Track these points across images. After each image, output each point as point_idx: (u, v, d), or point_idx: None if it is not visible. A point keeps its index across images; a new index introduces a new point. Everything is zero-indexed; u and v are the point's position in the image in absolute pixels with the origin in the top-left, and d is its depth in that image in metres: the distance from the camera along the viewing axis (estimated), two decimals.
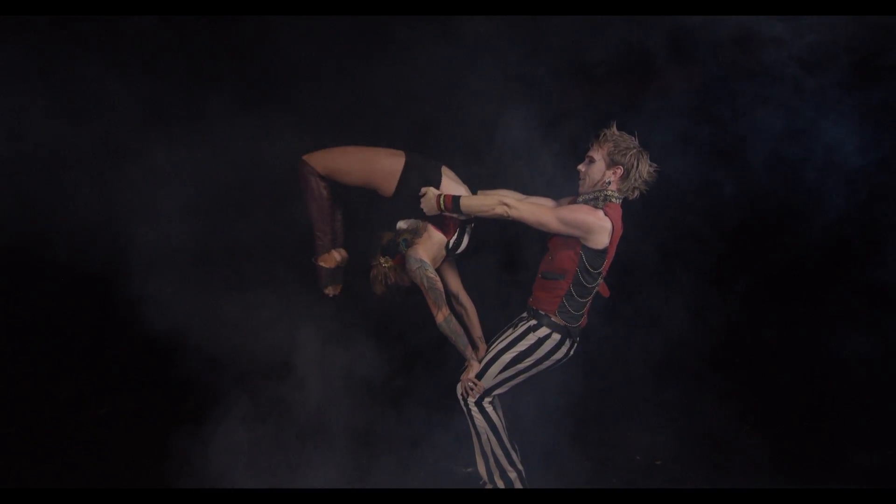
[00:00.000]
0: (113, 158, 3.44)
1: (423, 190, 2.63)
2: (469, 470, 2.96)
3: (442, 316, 2.62)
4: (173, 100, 3.37)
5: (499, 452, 2.73)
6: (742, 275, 4.11)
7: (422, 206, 2.63)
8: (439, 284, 2.61)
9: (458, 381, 2.80)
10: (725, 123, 3.58)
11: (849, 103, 3.29)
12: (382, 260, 2.73)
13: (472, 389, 2.68)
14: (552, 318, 2.59)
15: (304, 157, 2.72)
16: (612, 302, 2.99)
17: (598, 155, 2.46)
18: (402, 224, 2.72)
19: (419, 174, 2.68)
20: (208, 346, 3.15)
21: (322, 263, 2.84)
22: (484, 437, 2.72)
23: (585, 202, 2.51)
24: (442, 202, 2.56)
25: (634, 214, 2.73)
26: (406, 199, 2.72)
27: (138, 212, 3.40)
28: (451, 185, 2.72)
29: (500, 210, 2.47)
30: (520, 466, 2.78)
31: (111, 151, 3.43)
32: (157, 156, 3.42)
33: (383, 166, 2.66)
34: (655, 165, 2.50)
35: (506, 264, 3.54)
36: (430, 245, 2.69)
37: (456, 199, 2.55)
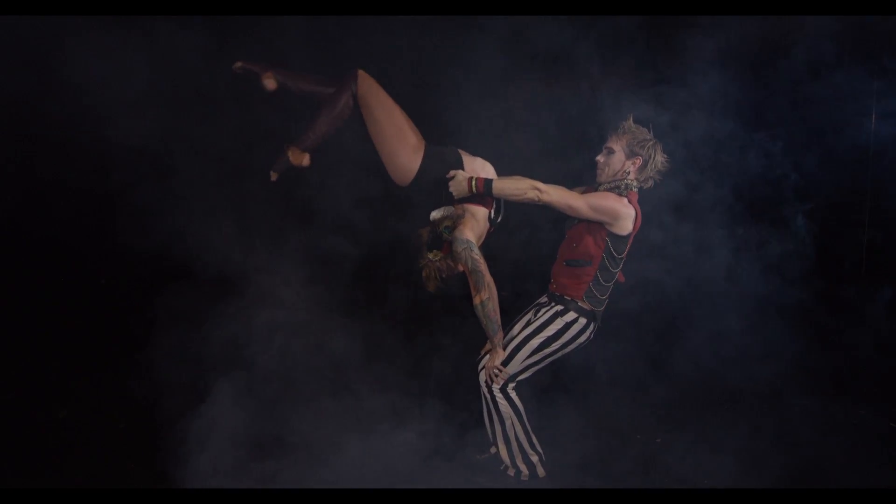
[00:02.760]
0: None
1: (452, 173, 2.64)
2: (484, 456, 2.96)
3: (479, 299, 2.59)
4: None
5: (522, 437, 2.76)
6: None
7: (451, 189, 2.63)
8: (482, 266, 2.58)
9: (473, 366, 2.81)
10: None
11: None
12: (431, 255, 2.68)
13: (496, 376, 2.68)
14: (579, 304, 2.66)
15: (360, 73, 2.66)
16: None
17: (618, 146, 2.60)
18: (436, 213, 2.68)
19: (438, 164, 2.68)
20: None
21: (290, 155, 2.75)
22: (508, 423, 2.74)
23: (608, 190, 2.60)
24: (474, 185, 2.57)
25: None
26: (418, 190, 2.73)
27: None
28: (475, 165, 2.73)
29: (532, 194, 2.51)
30: (539, 449, 2.82)
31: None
32: None
33: (403, 162, 2.66)
34: (667, 156, 2.64)
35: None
36: (476, 223, 2.68)
37: (488, 182, 2.57)
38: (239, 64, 2.81)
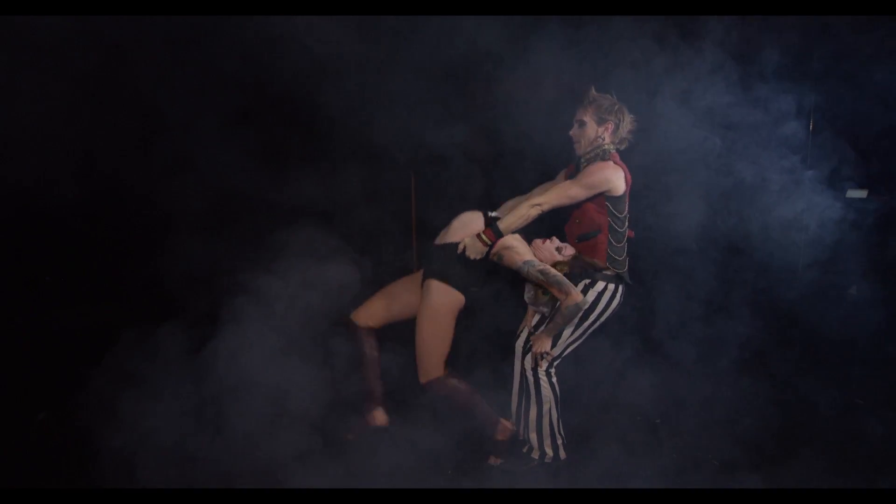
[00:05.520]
0: None
1: (462, 244, 2.62)
2: (499, 462, 2.83)
3: (573, 300, 2.48)
4: None
5: (555, 420, 2.74)
6: None
7: (469, 254, 2.61)
8: (552, 271, 2.51)
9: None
10: None
11: None
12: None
13: (542, 359, 2.65)
14: (605, 272, 2.66)
15: (352, 317, 2.78)
16: None
17: (587, 117, 2.67)
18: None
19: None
20: None
21: (369, 420, 2.83)
22: (546, 407, 2.70)
23: (591, 161, 2.65)
24: (485, 237, 2.58)
25: None
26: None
27: None
28: (473, 217, 2.70)
29: (534, 212, 2.59)
30: (563, 432, 2.80)
31: None
32: None
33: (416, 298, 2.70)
34: (634, 116, 2.71)
35: None
36: (516, 248, 2.60)
37: (494, 227, 2.58)
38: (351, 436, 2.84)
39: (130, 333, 3.00)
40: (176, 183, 3.54)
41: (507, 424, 2.78)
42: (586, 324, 2.67)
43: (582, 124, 2.67)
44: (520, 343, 2.75)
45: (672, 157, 3.65)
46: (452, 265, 2.60)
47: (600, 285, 2.66)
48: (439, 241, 2.68)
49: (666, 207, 3.66)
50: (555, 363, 2.71)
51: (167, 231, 3.66)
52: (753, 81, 3.58)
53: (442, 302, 2.57)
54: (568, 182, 2.63)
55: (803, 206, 3.86)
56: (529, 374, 2.69)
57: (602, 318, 2.70)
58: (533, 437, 2.74)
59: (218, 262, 3.52)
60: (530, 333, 2.72)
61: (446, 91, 3.71)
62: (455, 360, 3.29)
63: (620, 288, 2.71)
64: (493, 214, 2.68)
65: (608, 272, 2.67)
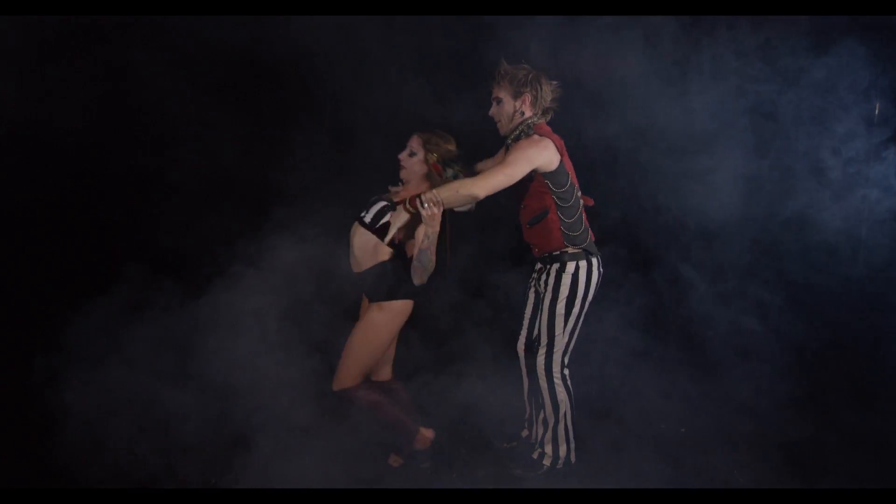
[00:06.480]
0: None
1: (392, 230, 2.31)
2: (512, 445, 2.80)
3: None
4: None
5: (570, 424, 2.61)
6: None
7: (392, 221, 2.31)
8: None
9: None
10: None
11: None
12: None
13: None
14: (569, 251, 2.49)
15: (335, 389, 2.54)
16: None
17: (502, 93, 2.47)
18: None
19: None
20: None
21: (420, 445, 2.68)
22: (562, 411, 2.57)
23: (516, 140, 2.45)
24: (408, 205, 2.29)
25: None
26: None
27: None
28: (363, 235, 2.46)
29: (463, 197, 2.25)
30: (574, 436, 2.69)
31: None
32: None
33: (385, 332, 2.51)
34: (556, 82, 2.48)
35: None
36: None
37: (419, 197, 2.25)
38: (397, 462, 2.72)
39: (120, 304, 2.99)
40: (178, 159, 3.44)
41: (425, 434, 2.64)
42: (575, 309, 2.51)
43: (499, 101, 2.47)
44: (521, 345, 2.63)
45: (712, 141, 3.38)
46: (387, 281, 2.44)
47: (570, 267, 2.48)
48: (357, 268, 2.49)
49: (703, 194, 3.40)
50: (566, 361, 2.57)
51: (174, 207, 3.59)
52: (809, 63, 3.25)
53: (384, 320, 2.45)
54: (493, 170, 2.32)
55: (859, 200, 3.53)
56: (543, 380, 2.55)
57: (589, 297, 2.54)
58: (548, 446, 2.63)
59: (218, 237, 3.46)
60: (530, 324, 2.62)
61: (457, 64, 3.49)
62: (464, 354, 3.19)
63: (594, 262, 2.52)
64: (365, 215, 2.45)
65: (573, 250, 2.49)
